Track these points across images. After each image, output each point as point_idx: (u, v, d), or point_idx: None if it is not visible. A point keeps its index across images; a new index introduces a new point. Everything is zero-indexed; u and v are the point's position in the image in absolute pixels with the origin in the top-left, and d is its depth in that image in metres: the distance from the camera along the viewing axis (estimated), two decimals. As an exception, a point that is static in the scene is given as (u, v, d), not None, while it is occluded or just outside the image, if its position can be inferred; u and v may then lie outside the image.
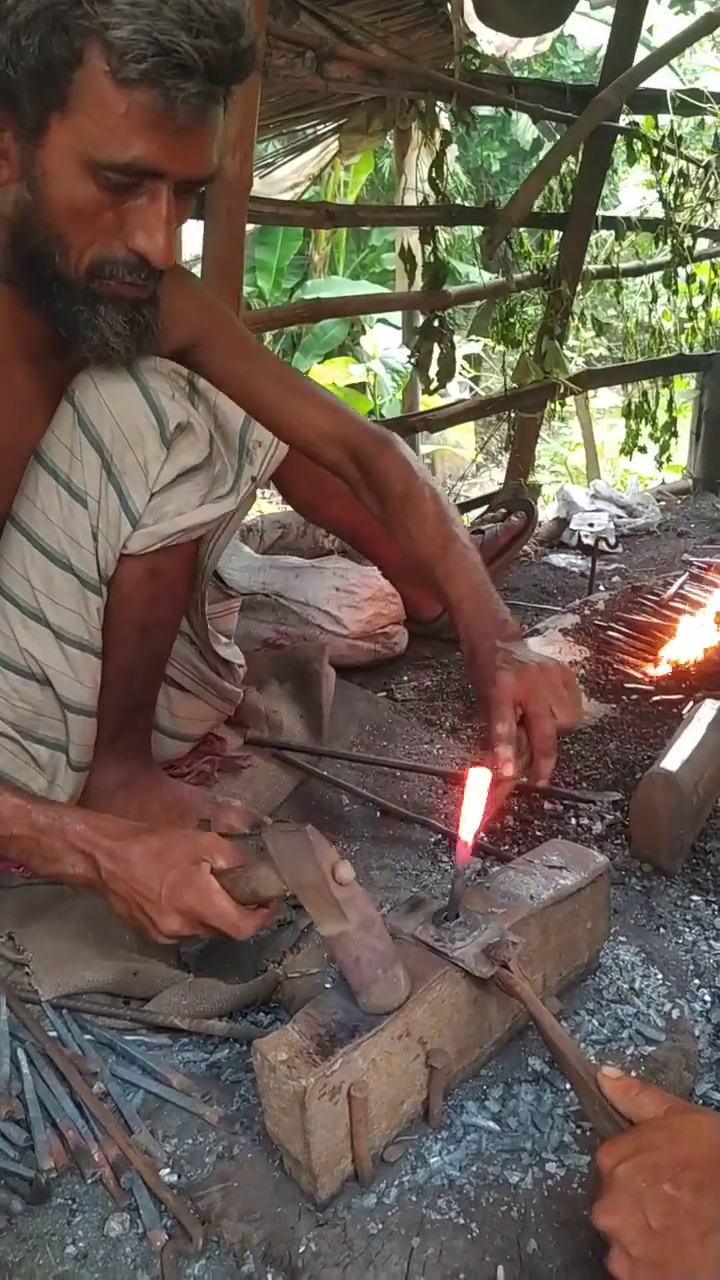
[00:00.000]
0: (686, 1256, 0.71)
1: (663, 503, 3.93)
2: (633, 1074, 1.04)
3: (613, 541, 3.33)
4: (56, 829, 1.07)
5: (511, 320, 3.66)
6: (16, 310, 1.14)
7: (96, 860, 1.05)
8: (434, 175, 3.16)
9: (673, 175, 3.76)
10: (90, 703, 1.32)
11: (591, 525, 3.36)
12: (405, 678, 2.25)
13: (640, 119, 3.65)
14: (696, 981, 1.25)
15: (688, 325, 4.24)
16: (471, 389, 6.73)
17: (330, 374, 6.83)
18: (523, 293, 3.71)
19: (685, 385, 4.55)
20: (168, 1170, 0.98)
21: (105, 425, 1.21)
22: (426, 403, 4.25)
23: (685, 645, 2.15)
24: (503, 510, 2.42)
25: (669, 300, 4.16)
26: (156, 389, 1.22)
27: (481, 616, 1.21)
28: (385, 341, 6.91)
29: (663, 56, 3.45)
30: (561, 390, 3.63)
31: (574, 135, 3.33)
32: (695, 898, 1.42)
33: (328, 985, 1.04)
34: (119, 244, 1.04)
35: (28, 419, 1.25)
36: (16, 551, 1.26)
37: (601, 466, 6.07)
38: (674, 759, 1.47)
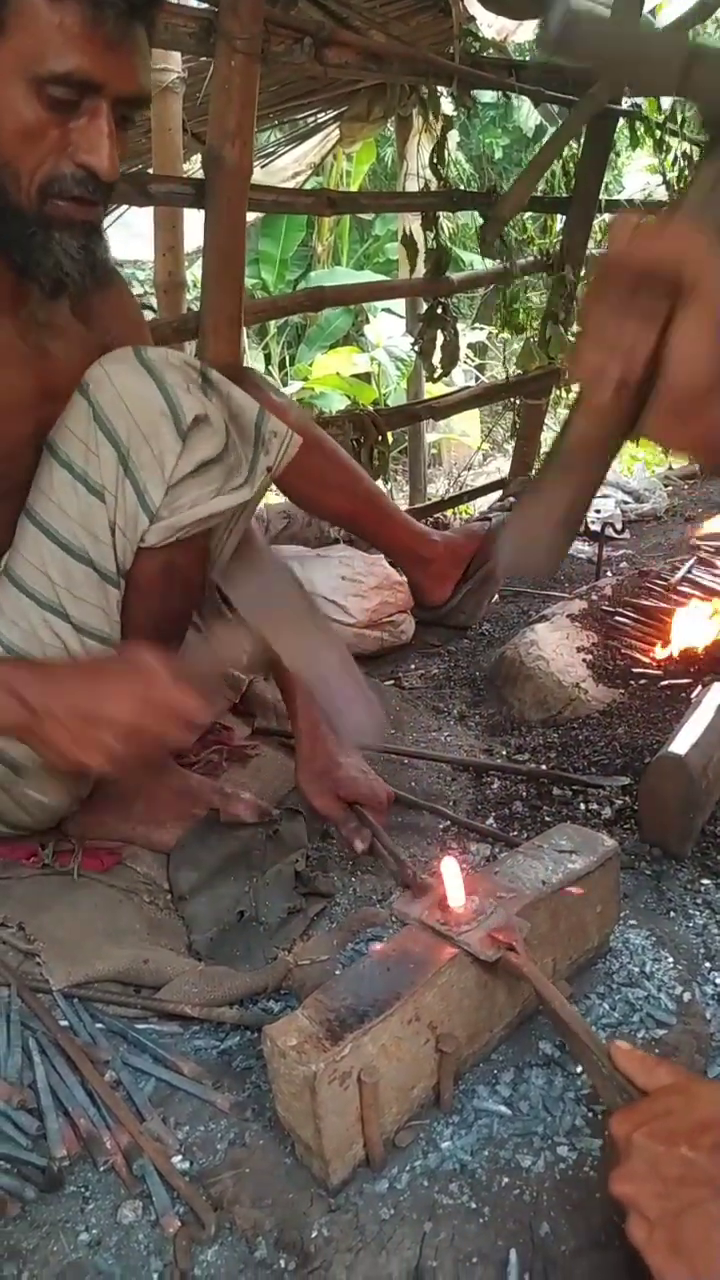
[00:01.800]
0: (705, 1216, 0.71)
1: (670, 488, 3.92)
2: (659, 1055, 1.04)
3: (619, 527, 3.32)
4: None
5: (515, 306, 3.64)
6: None
7: (24, 695, 1.05)
8: (435, 160, 3.14)
9: (676, 158, 3.73)
10: None
11: (598, 511, 3.34)
12: (412, 666, 2.25)
13: (643, 101, 3.62)
14: (708, 965, 1.25)
15: (693, 309, 4.22)
16: (477, 377, 6.71)
17: (334, 363, 6.80)
18: (526, 278, 3.69)
19: (691, 370, 4.51)
20: (180, 1157, 0.98)
21: (121, 419, 1.21)
22: (431, 390, 4.23)
23: (692, 629, 2.14)
24: (511, 499, 2.41)
25: (674, 284, 4.13)
26: (172, 382, 1.22)
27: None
28: (389, 330, 6.88)
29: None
30: (567, 376, 3.61)
31: (567, 129, 3.30)
32: (705, 881, 1.42)
33: (337, 972, 1.05)
34: (66, 161, 1.10)
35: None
36: (34, 546, 1.26)
37: (608, 453, 6.03)
38: (683, 743, 1.47)
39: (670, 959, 1.21)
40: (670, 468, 4.55)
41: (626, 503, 3.54)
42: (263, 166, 3.87)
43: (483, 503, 4.46)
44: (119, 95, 1.09)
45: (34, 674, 1.08)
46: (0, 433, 1.25)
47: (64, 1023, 1.13)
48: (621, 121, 3.54)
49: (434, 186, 3.20)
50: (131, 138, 2.18)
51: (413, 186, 3.95)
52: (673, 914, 1.35)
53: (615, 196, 3.99)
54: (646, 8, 3.64)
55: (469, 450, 7.05)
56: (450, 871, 1.04)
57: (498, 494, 4.16)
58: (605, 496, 3.47)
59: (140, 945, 1.25)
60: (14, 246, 1.14)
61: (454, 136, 3.68)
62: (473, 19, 3.20)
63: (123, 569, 1.28)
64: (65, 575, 1.26)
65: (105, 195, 1.15)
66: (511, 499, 2.37)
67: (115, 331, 1.38)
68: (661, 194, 3.86)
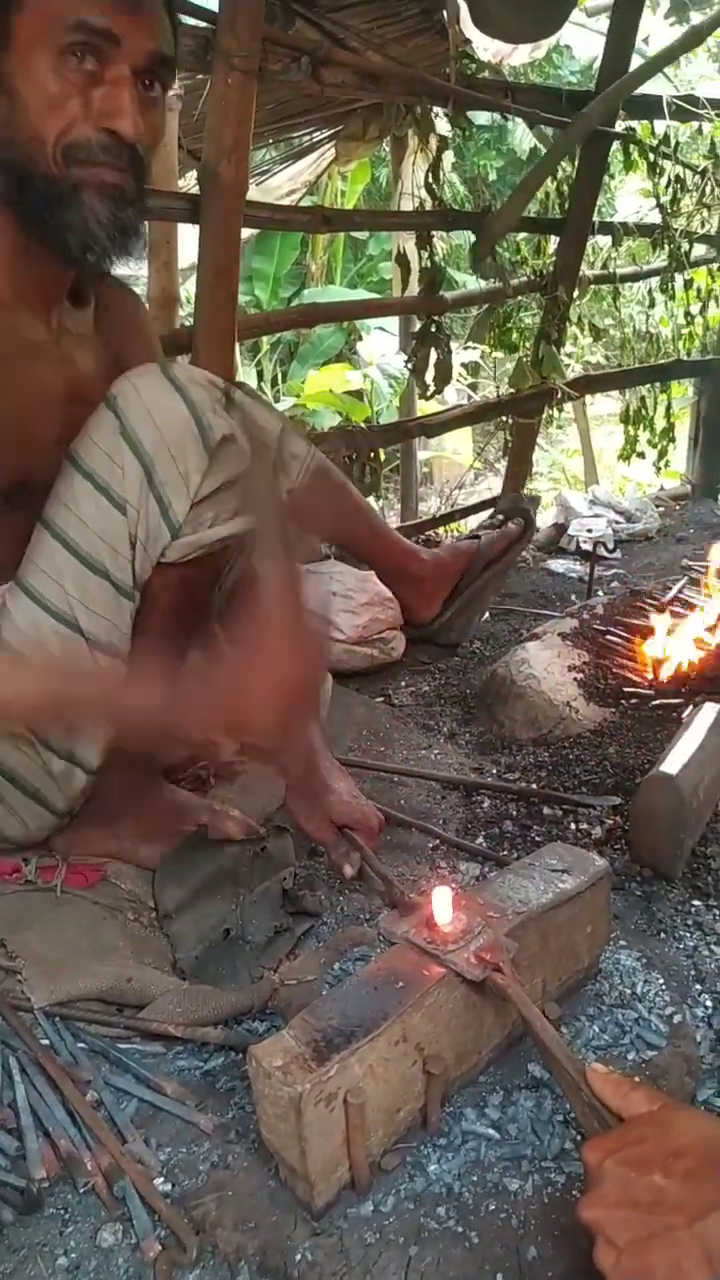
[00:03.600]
0: (673, 1244, 0.70)
1: (661, 508, 3.94)
2: (636, 1079, 1.03)
3: (611, 547, 3.33)
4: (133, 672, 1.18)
5: (508, 325, 3.65)
6: (16, 258, 1.20)
7: (174, 685, 1.09)
8: (430, 180, 3.15)
9: (669, 181, 3.76)
10: None
11: (590, 531, 3.36)
12: (403, 683, 2.25)
13: (637, 125, 3.65)
14: (698, 987, 1.24)
15: (685, 331, 4.24)
16: (469, 395, 6.73)
17: (327, 380, 6.81)
18: (520, 298, 3.71)
19: (683, 391, 4.54)
20: (161, 1179, 0.96)
21: (148, 434, 1.21)
22: (423, 408, 4.24)
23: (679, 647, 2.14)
24: (500, 517, 2.41)
25: (666, 306, 4.16)
26: (199, 400, 1.22)
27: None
28: (382, 348, 6.90)
29: (650, 69, 3.44)
30: (559, 395, 3.62)
31: (559, 151, 3.33)
32: (696, 902, 1.41)
33: (324, 991, 1.03)
34: (89, 126, 1.12)
35: (32, 360, 1.26)
36: (49, 556, 1.25)
37: (600, 473, 6.06)
38: (674, 763, 1.46)
39: (661, 980, 1.20)
40: (661, 488, 4.57)
41: (618, 523, 3.56)
42: (258, 184, 3.88)
43: (474, 520, 4.47)
44: (139, 58, 1.11)
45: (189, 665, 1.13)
46: (28, 433, 1.24)
47: (45, 1041, 1.12)
48: (615, 144, 3.56)
49: (429, 206, 3.22)
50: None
51: (407, 206, 3.96)
52: (663, 935, 1.34)
53: (608, 218, 4.00)
54: (639, 36, 3.69)
55: (461, 468, 7.06)
56: (438, 891, 1.03)
57: (489, 512, 4.17)
58: (597, 516, 3.49)
59: (124, 963, 1.23)
60: (45, 212, 1.16)
61: (449, 157, 3.69)
62: (469, 41, 3.23)
63: (139, 583, 1.27)
64: (80, 587, 1.24)
65: (134, 163, 1.16)
66: (499, 516, 2.36)
67: (128, 348, 1.39)
68: (654, 217, 3.87)
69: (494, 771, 1.82)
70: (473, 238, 3.36)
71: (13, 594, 1.27)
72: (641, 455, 4.15)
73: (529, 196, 3.35)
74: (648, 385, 4.16)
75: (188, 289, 3.73)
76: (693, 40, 3.59)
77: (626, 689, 2.04)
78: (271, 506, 0.98)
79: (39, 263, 1.22)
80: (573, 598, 2.87)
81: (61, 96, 1.10)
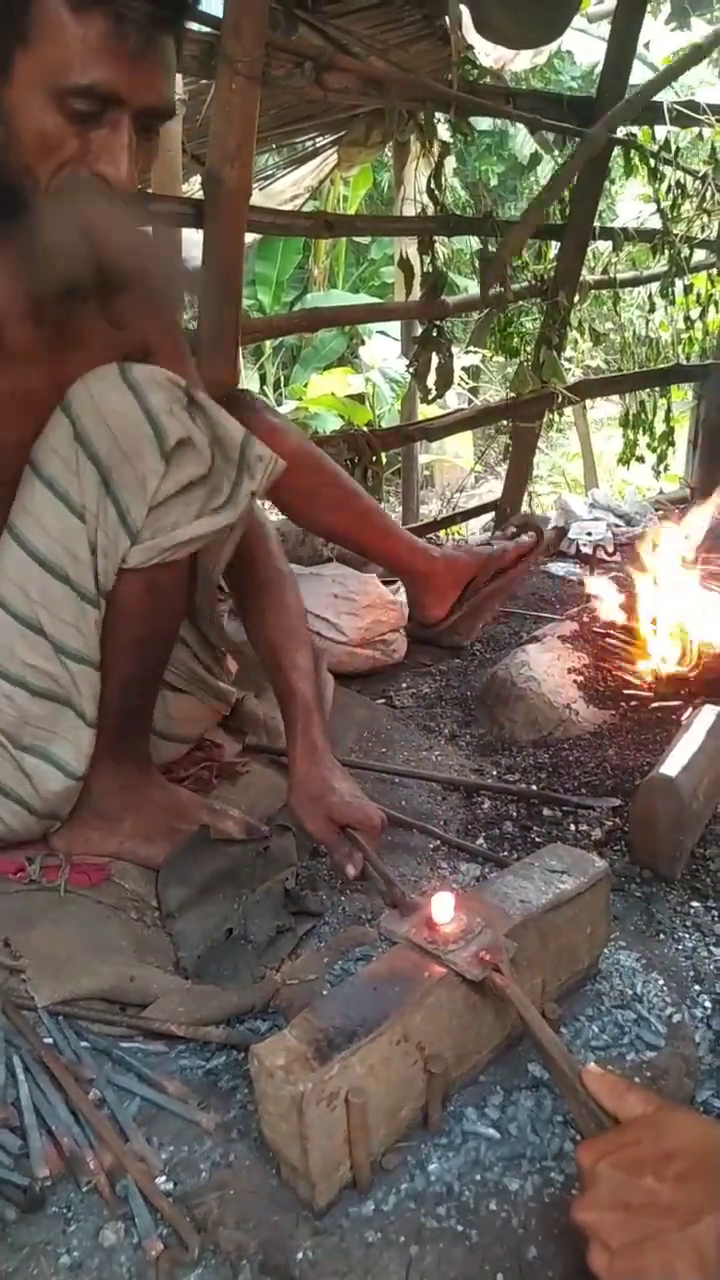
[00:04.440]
0: (666, 1247, 0.70)
1: (660, 512, 3.94)
2: (635, 1080, 1.03)
3: (611, 550, 3.33)
4: None
5: (509, 330, 3.66)
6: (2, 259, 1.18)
7: None
8: (432, 185, 3.17)
9: (670, 187, 3.77)
10: (92, 713, 1.32)
11: (590, 534, 3.36)
12: (404, 684, 2.25)
13: (637, 130, 3.66)
14: (697, 988, 1.25)
15: (685, 336, 4.25)
16: (470, 400, 6.74)
17: (329, 384, 6.83)
18: (520, 303, 3.72)
19: (683, 395, 4.55)
20: (164, 1178, 0.97)
21: (103, 439, 1.20)
22: (425, 413, 4.25)
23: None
24: (513, 529, 2.42)
25: (666, 311, 4.17)
26: (155, 403, 1.21)
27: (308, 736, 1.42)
28: (384, 352, 6.92)
29: (654, 86, 3.46)
30: (559, 400, 3.63)
31: (566, 174, 3.34)
32: (695, 904, 1.42)
33: (325, 991, 1.04)
34: (84, 169, 1.10)
35: (8, 365, 1.25)
36: (14, 562, 1.26)
37: (599, 476, 6.07)
38: (673, 764, 1.47)
39: (660, 981, 1.21)
40: (661, 492, 4.57)
41: (618, 526, 3.56)
42: (261, 189, 3.89)
43: (475, 524, 4.48)
44: (140, 108, 1.09)
45: None
46: (6, 439, 1.24)
47: (48, 1040, 1.12)
48: (616, 150, 3.58)
49: (430, 211, 3.23)
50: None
51: (409, 211, 3.98)
52: (662, 936, 1.34)
53: (609, 224, 4.01)
54: (640, 41, 3.71)
55: (462, 472, 7.08)
56: (439, 892, 1.04)
57: (490, 515, 4.18)
58: (597, 520, 3.49)
59: (127, 962, 1.23)
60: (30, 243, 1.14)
61: (450, 163, 3.71)
62: (471, 47, 3.24)
63: (103, 589, 1.27)
64: (44, 593, 1.25)
65: None
66: (512, 529, 2.37)
67: (150, 336, 1.37)
68: (655, 222, 3.88)
69: (494, 773, 1.83)
70: (475, 243, 3.38)
71: None
72: (641, 459, 4.16)
73: (533, 226, 3.36)
74: (647, 390, 4.17)
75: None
76: (694, 58, 3.62)
77: (626, 691, 2.05)
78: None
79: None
80: (572, 601, 2.87)
81: (57, 138, 1.08)
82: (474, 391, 7.59)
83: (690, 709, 1.74)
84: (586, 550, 3.20)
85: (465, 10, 2.98)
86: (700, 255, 4.12)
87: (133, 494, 1.22)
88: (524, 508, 3.92)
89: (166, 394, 1.23)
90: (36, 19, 1.03)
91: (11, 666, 1.27)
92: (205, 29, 2.19)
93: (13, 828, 1.36)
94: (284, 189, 4.25)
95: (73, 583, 1.25)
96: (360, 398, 6.91)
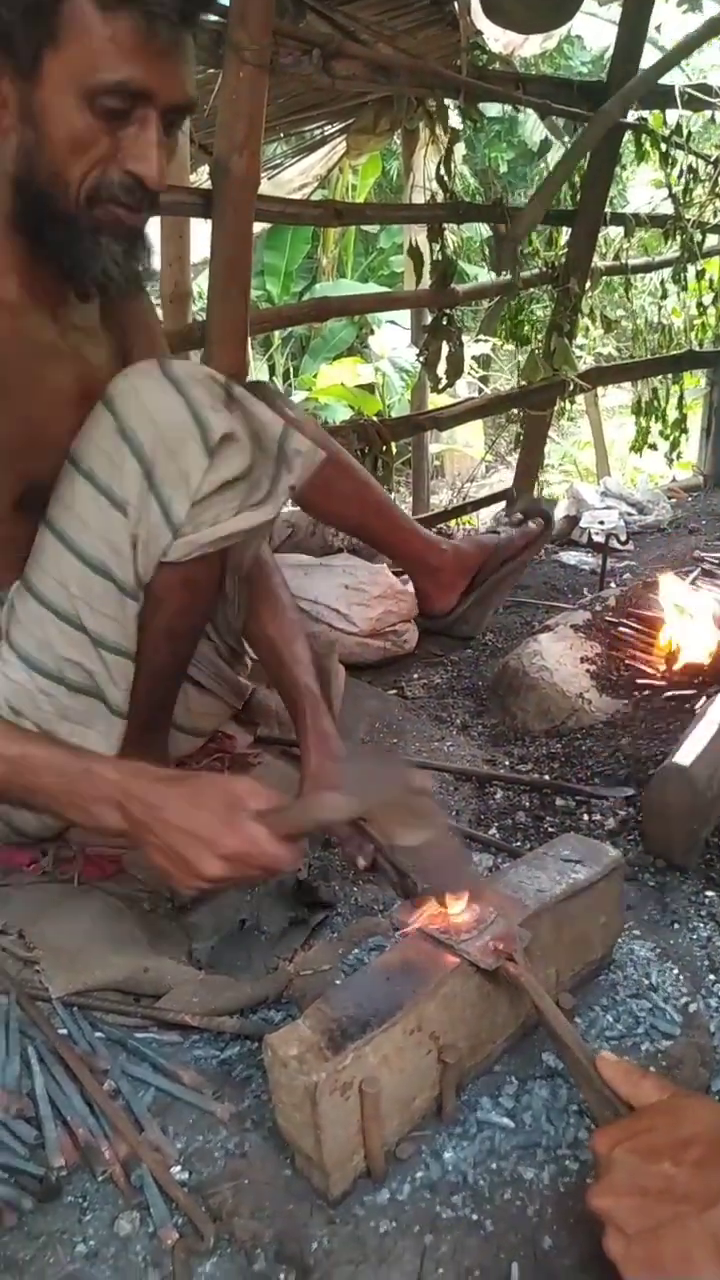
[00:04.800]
0: (683, 1232, 0.70)
1: (673, 500, 3.92)
2: (650, 1069, 1.03)
3: (623, 539, 3.32)
4: (87, 778, 1.07)
5: (520, 318, 3.65)
6: (24, 260, 1.19)
7: (128, 809, 1.04)
8: (441, 172, 3.15)
9: (681, 171, 3.74)
10: (123, 705, 1.32)
11: (602, 523, 3.35)
12: (415, 675, 2.25)
13: (649, 115, 3.63)
14: (712, 977, 1.24)
15: (697, 322, 4.23)
16: (480, 388, 6.72)
17: (339, 374, 6.82)
18: (531, 290, 3.70)
19: (695, 382, 4.52)
20: (178, 1168, 0.97)
21: (146, 433, 1.20)
22: (435, 401, 4.24)
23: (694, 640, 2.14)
24: (519, 516, 2.41)
25: (678, 297, 4.14)
26: (198, 398, 1.21)
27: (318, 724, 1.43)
28: (393, 342, 6.90)
29: (667, 63, 3.42)
30: (570, 388, 3.61)
31: (579, 148, 3.32)
32: (710, 893, 1.41)
33: (338, 981, 1.04)
34: (115, 169, 1.11)
35: (43, 363, 1.26)
36: (53, 558, 1.25)
37: (612, 464, 6.05)
38: (687, 754, 1.46)
39: (675, 971, 1.20)
40: (674, 479, 4.55)
41: (630, 514, 3.55)
42: (269, 178, 3.89)
43: (486, 514, 4.46)
44: (167, 105, 1.10)
45: (140, 787, 1.06)
46: (40, 437, 1.24)
47: (63, 1031, 1.13)
48: (627, 135, 3.55)
49: (440, 199, 3.22)
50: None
51: (418, 199, 3.96)
52: (677, 926, 1.34)
53: (620, 209, 3.99)
54: (651, 25, 3.67)
55: (472, 461, 7.06)
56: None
57: (501, 505, 4.16)
58: (609, 508, 3.48)
59: (141, 953, 1.24)
60: (62, 250, 1.16)
61: (460, 149, 3.68)
62: (480, 33, 3.22)
63: (142, 582, 1.27)
64: (84, 588, 1.24)
65: (152, 202, 1.17)
66: (518, 515, 2.36)
67: (135, 340, 1.39)
68: (666, 208, 3.86)
69: (507, 763, 1.83)
70: (485, 230, 3.36)
71: (20, 595, 1.28)
72: (653, 447, 4.14)
73: (549, 198, 3.34)
74: (660, 377, 4.14)
75: (200, 284, 3.74)
76: (709, 32, 3.57)
77: (639, 680, 2.04)
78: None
79: (46, 266, 1.21)
80: (585, 590, 2.86)
81: (88, 138, 1.08)
82: (484, 380, 7.57)
83: (705, 698, 1.73)
84: (599, 539, 3.18)
85: (474, -5, 2.97)
86: (713, 240, 4.09)
87: (176, 489, 1.22)
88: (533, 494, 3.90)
89: (207, 389, 1.23)
90: (66, 19, 1.03)
91: (50, 662, 1.27)
92: (213, 17, 2.18)
93: (46, 823, 1.37)
94: (292, 177, 4.24)
95: (114, 576, 1.25)
96: (370, 387, 6.89)
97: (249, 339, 2.59)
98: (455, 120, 3.37)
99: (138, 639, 1.31)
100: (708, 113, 3.81)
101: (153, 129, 1.09)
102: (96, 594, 1.25)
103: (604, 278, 3.92)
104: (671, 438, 4.11)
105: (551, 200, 3.38)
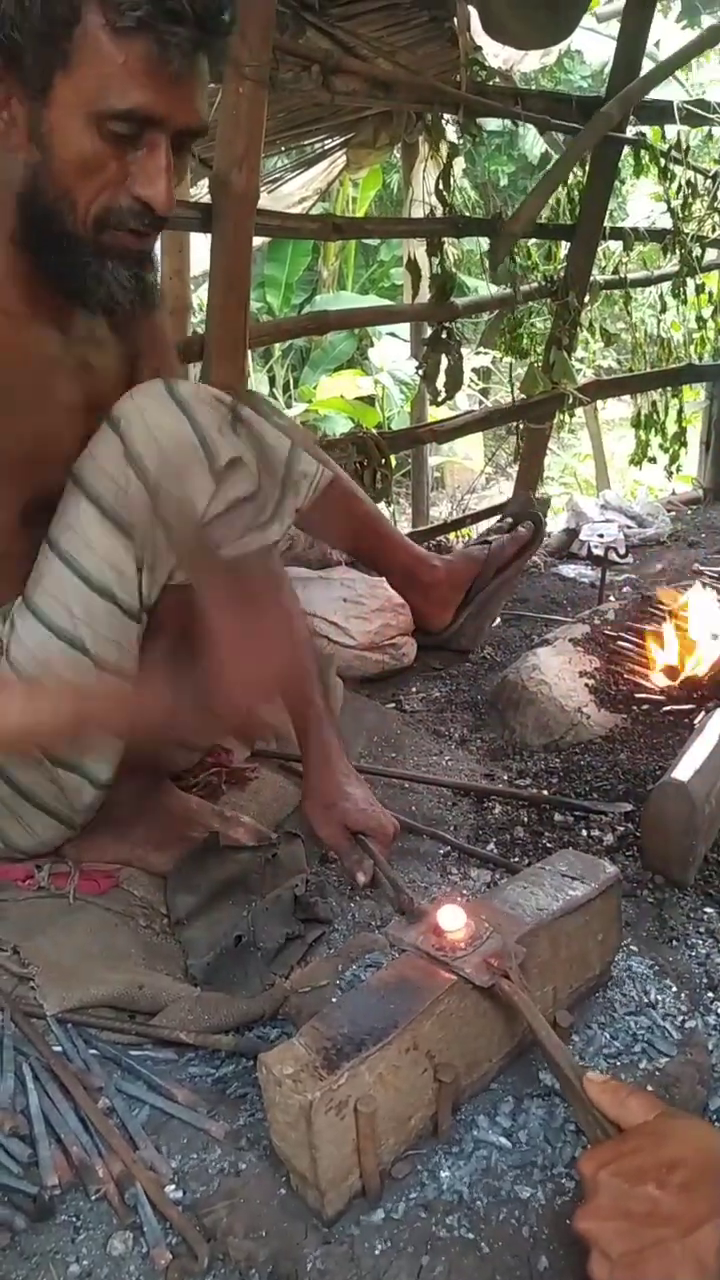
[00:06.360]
0: (667, 1256, 0.70)
1: (673, 513, 3.92)
2: (648, 1088, 1.02)
3: (623, 552, 3.32)
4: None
5: (519, 331, 3.66)
6: (27, 276, 1.19)
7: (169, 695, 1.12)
8: (441, 187, 3.16)
9: (680, 186, 3.75)
10: None
11: (601, 536, 3.34)
12: (414, 689, 2.24)
13: (647, 130, 3.65)
14: (710, 994, 1.24)
15: (697, 335, 4.23)
16: (480, 401, 6.73)
17: (339, 386, 6.83)
18: (530, 304, 3.71)
19: (695, 395, 4.53)
20: (173, 1186, 0.96)
21: (153, 458, 1.19)
22: (434, 414, 4.25)
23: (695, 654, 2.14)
24: (510, 521, 2.41)
25: (678, 311, 4.15)
26: (204, 421, 1.21)
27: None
28: (393, 354, 6.91)
29: (666, 69, 3.44)
30: (570, 400, 3.62)
31: (578, 148, 3.32)
32: (709, 910, 1.40)
33: (335, 999, 1.03)
34: (124, 194, 1.11)
35: (48, 375, 1.25)
36: (56, 578, 1.24)
37: (611, 477, 6.05)
38: (686, 769, 1.46)
39: (673, 988, 1.20)
40: (673, 493, 4.56)
41: (629, 527, 3.55)
42: (269, 192, 3.90)
43: (485, 526, 4.46)
44: (179, 128, 1.09)
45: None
46: (47, 450, 1.24)
47: (57, 1048, 1.12)
48: (626, 149, 3.56)
49: (439, 213, 3.23)
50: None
51: (418, 213, 3.97)
52: (675, 942, 1.33)
53: (619, 223, 4.00)
54: (650, 40, 3.69)
55: (472, 474, 7.06)
56: (448, 899, 1.03)
57: (498, 515, 4.17)
58: (609, 521, 3.48)
59: (136, 970, 1.23)
60: (68, 274, 1.15)
61: (460, 164, 3.69)
62: (479, 48, 3.24)
63: (146, 605, 1.27)
64: (86, 610, 1.24)
65: (160, 226, 1.16)
66: (509, 520, 2.35)
67: (145, 354, 1.39)
68: (665, 222, 3.87)
69: (505, 778, 1.82)
70: (484, 244, 3.37)
71: (21, 614, 1.27)
72: (653, 460, 4.14)
73: (544, 200, 3.34)
74: (659, 390, 4.15)
75: (200, 296, 3.75)
76: (709, 40, 3.58)
77: (638, 695, 2.04)
78: (186, 522, 1.02)
79: (49, 282, 1.20)
80: (584, 603, 2.86)
81: (96, 161, 1.08)
82: (484, 393, 7.58)
83: (703, 713, 1.73)
84: (598, 552, 3.18)
85: (473, 11, 2.98)
86: (712, 254, 4.10)
87: (181, 513, 1.22)
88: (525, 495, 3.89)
89: (214, 411, 1.22)
90: (78, 43, 1.02)
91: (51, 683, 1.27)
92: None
93: (44, 840, 1.36)
94: (292, 191, 4.25)
95: (117, 599, 1.24)
96: (370, 400, 6.91)
97: (249, 351, 2.59)
98: (454, 135, 3.38)
99: (139, 660, 1.30)
100: (706, 128, 3.82)
101: (161, 154, 1.09)
102: (99, 616, 1.24)
103: (603, 291, 3.93)
104: (671, 451, 4.12)
105: (545, 204, 3.38)
